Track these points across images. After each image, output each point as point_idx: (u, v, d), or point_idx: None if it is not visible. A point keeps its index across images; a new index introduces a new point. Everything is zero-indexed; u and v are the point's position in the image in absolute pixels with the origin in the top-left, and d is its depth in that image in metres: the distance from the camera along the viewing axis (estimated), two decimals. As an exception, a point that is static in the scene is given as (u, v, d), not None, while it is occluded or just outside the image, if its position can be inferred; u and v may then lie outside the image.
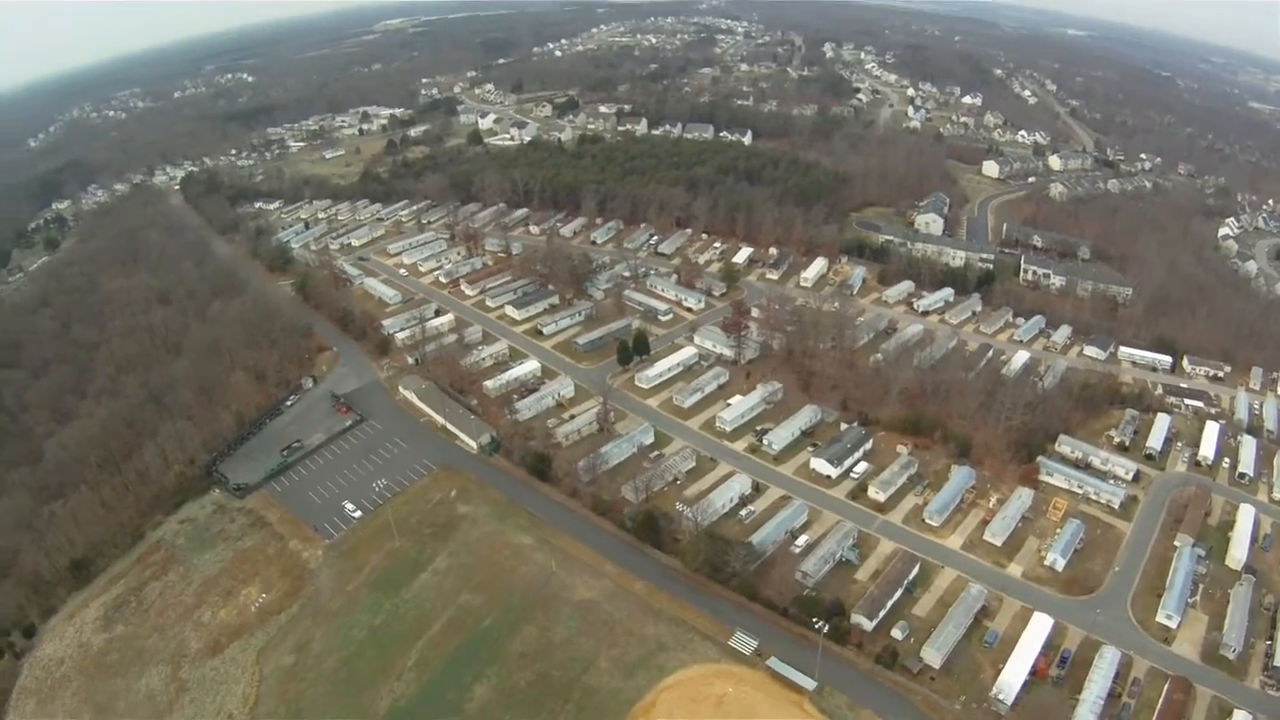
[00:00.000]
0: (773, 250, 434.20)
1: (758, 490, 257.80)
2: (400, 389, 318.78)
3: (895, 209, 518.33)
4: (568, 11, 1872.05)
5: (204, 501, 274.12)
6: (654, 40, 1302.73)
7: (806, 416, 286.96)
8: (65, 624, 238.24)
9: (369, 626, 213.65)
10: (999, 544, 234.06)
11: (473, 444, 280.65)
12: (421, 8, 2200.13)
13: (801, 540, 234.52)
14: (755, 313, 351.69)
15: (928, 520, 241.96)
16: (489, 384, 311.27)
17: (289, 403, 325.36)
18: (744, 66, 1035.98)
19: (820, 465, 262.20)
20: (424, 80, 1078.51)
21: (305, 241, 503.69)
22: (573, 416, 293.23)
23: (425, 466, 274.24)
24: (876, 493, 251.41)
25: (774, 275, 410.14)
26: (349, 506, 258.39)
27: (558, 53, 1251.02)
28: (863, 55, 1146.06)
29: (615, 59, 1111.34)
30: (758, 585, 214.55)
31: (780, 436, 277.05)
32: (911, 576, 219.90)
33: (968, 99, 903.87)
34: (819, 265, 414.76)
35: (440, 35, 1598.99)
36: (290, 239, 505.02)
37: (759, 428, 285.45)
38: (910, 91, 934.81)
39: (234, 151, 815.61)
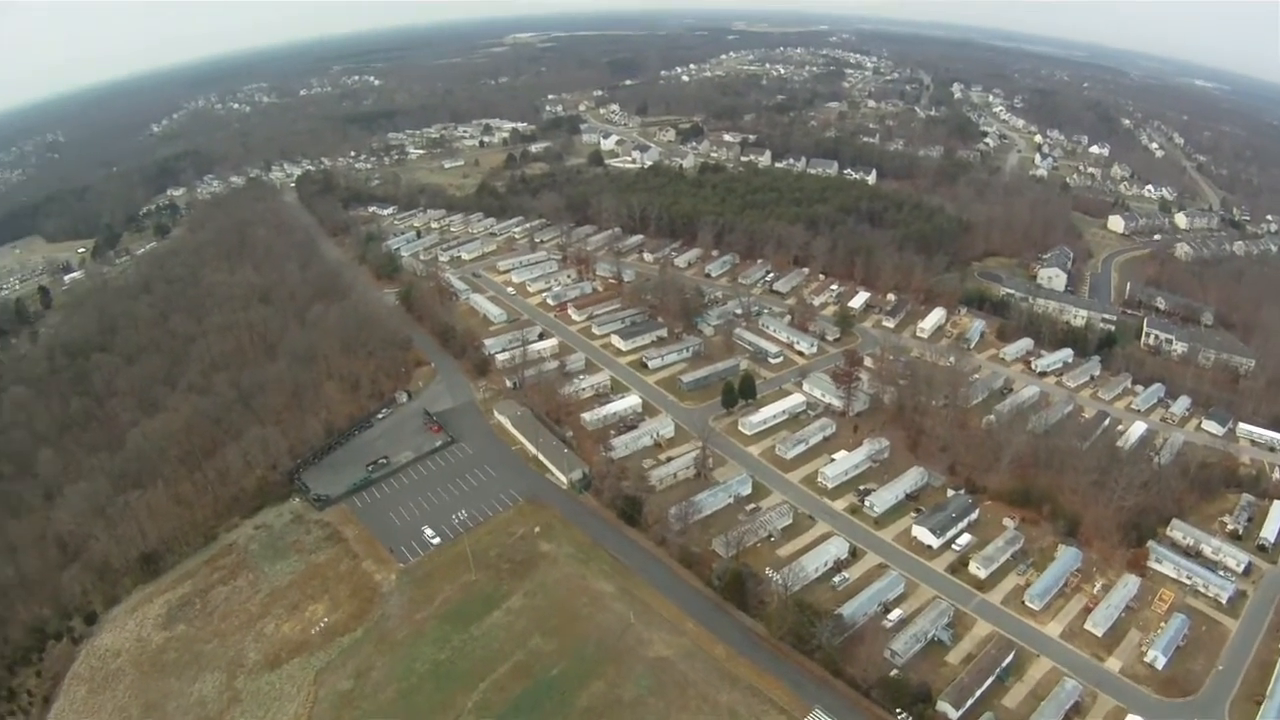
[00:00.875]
0: (890, 296, 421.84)
1: (854, 555, 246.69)
2: (495, 413, 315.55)
3: (1018, 260, 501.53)
4: (698, 36, 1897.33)
5: (282, 509, 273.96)
6: (782, 70, 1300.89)
7: (912, 479, 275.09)
8: (127, 616, 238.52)
9: (433, 660, 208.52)
10: (1099, 634, 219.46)
11: (563, 479, 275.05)
12: (552, 23, 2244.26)
13: (895, 614, 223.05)
14: (868, 362, 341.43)
15: (1028, 603, 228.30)
16: (587, 416, 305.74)
17: (380, 416, 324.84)
18: (871, 103, 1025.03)
19: (922, 534, 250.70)
20: (549, 96, 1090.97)
21: (415, 251, 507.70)
22: (669, 459, 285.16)
23: (511, 497, 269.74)
24: (978, 569, 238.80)
25: (890, 323, 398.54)
26: (428, 532, 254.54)
27: (685, 77, 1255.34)
28: (991, 98, 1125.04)
29: (742, 87, 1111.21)
30: (843, 660, 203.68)
31: (883, 499, 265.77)
32: (1005, 664, 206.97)
33: (1095, 149, 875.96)
34: (937, 315, 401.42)
35: (568, 52, 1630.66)
36: (400, 247, 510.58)
37: (862, 487, 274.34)
38: (1037, 138, 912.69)
39: (353, 154, 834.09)
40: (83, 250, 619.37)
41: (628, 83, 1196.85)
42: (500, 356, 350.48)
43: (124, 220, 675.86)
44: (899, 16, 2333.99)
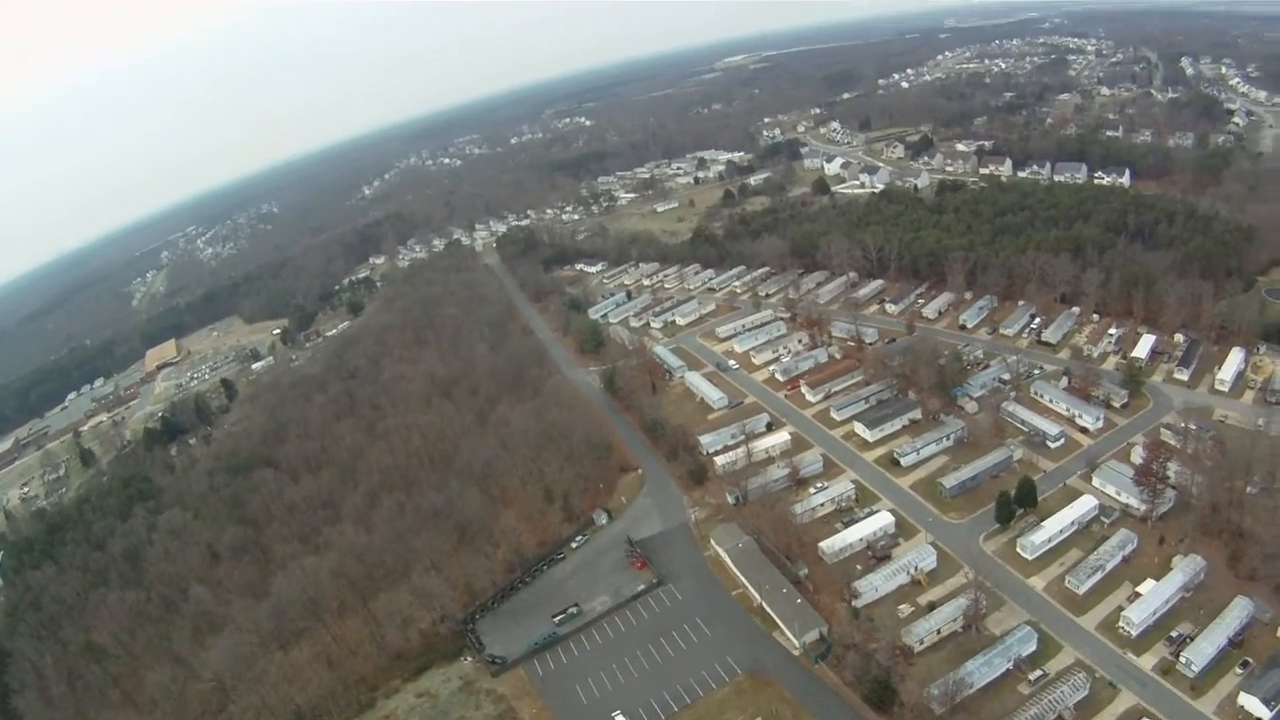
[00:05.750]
0: (1179, 337, 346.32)
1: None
2: (712, 542, 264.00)
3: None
4: (910, 40, 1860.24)
5: (449, 672, 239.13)
6: (1003, 65, 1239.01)
7: (1236, 616, 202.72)
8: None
9: None
10: None
11: (795, 642, 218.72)
12: (762, 43, 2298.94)
13: None
14: (1168, 436, 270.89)
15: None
16: (825, 545, 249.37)
17: (575, 543, 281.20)
18: (1104, 90, 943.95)
19: (1253, 705, 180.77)
20: (765, 120, 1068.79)
21: (624, 316, 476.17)
22: (931, 605, 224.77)
23: (728, 668, 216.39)
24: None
25: (1183, 374, 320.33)
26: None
27: (904, 84, 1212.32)
28: (1223, 69, 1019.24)
29: (966, 88, 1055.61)
30: None
31: (1202, 651, 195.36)
32: None
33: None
34: (1236, 359, 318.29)
35: (781, 71, 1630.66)
36: (608, 312, 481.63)
37: (1174, 633, 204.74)
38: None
39: (560, 204, 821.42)
40: (277, 333, 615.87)
41: (845, 96, 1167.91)
42: (720, 460, 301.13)
43: (318, 298, 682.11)
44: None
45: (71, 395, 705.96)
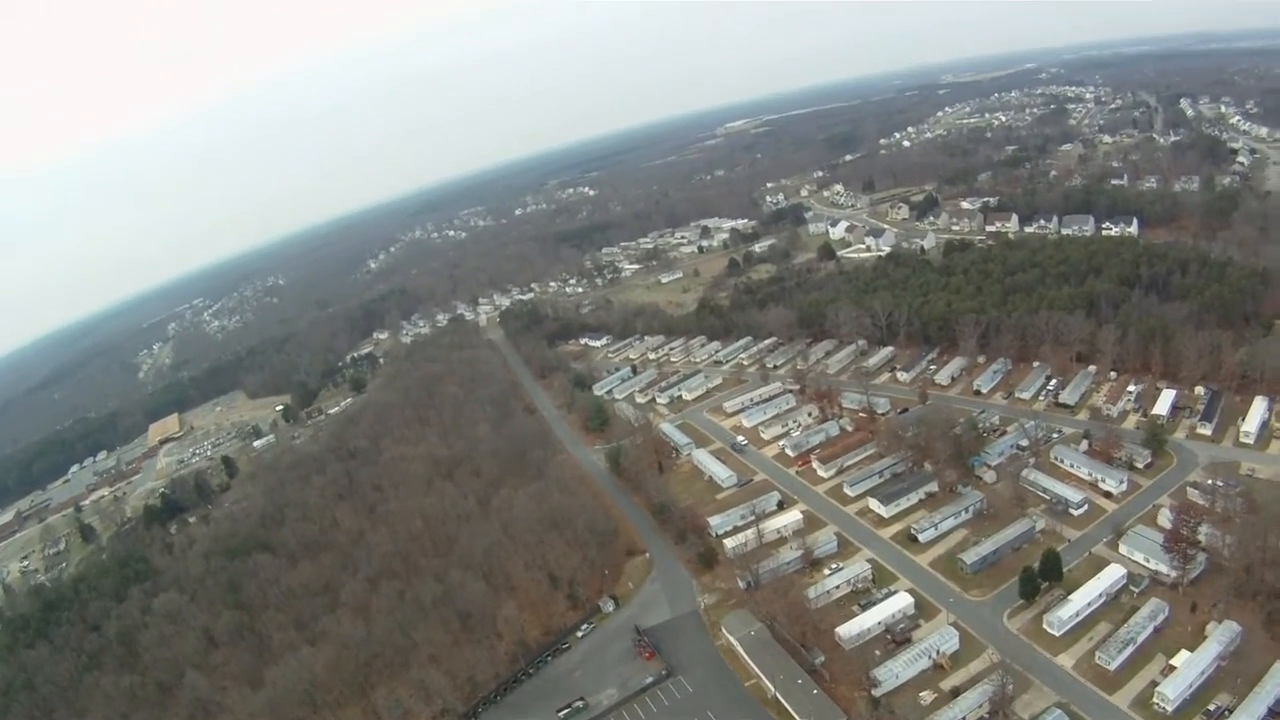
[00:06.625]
0: (1199, 390, 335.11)
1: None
2: (724, 629, 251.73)
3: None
4: (909, 98, 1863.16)
5: None
6: (1004, 118, 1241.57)
7: (1275, 683, 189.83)
8: None
9: None
10: None
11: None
12: (763, 107, 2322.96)
13: None
14: (1195, 495, 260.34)
15: None
16: (842, 630, 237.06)
17: (580, 632, 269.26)
18: (1106, 138, 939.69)
19: None
20: (768, 185, 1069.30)
21: (630, 391, 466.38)
22: (955, 691, 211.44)
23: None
24: None
25: (1206, 429, 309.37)
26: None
27: (906, 142, 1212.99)
28: (1222, 108, 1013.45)
29: (968, 144, 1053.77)
30: None
31: None
32: None
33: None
34: (1259, 410, 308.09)
35: (782, 135, 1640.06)
36: (613, 387, 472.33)
37: (1213, 705, 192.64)
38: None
39: (564, 276, 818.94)
40: (279, 409, 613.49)
41: (848, 158, 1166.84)
42: (729, 542, 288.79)
43: (321, 375, 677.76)
44: (1097, 40, 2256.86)
45: (74, 468, 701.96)
